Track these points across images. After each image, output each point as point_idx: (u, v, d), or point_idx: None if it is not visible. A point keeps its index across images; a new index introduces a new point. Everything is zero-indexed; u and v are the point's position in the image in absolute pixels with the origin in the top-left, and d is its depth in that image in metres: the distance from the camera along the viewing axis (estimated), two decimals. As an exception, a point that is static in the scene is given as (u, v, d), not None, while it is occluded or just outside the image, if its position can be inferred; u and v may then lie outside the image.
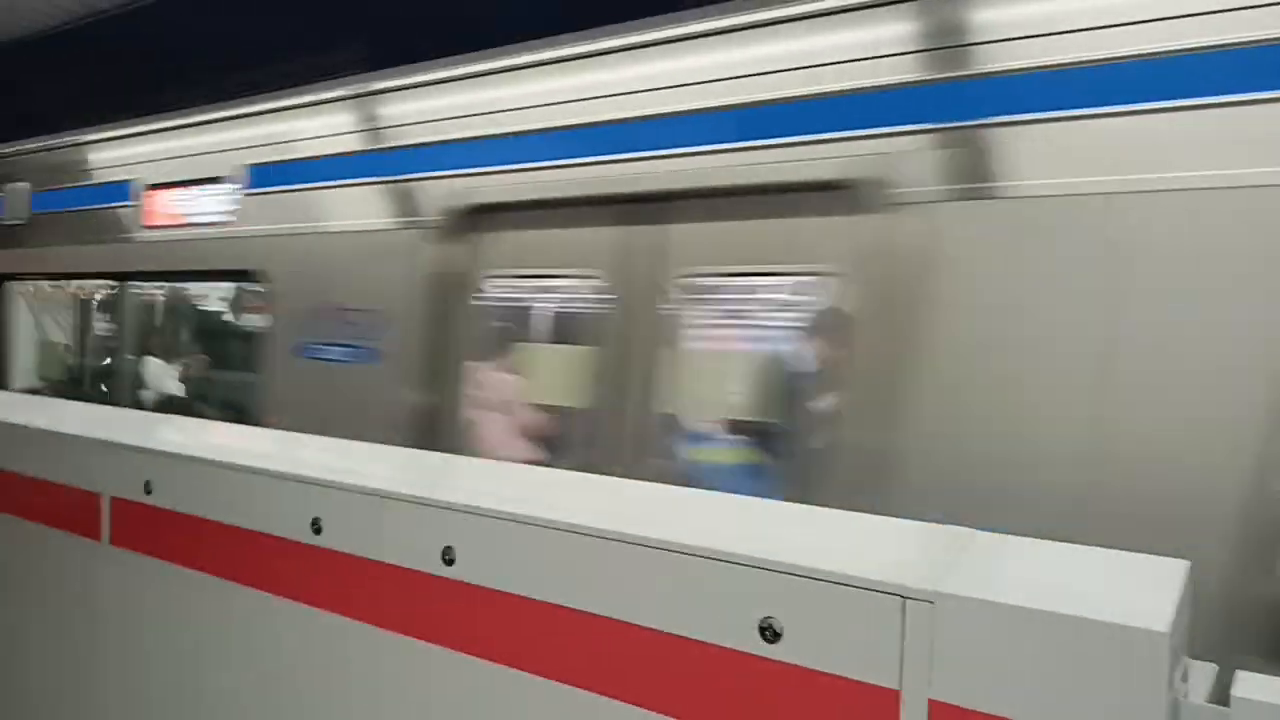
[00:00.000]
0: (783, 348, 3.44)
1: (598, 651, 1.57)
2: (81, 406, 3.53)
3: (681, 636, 1.47)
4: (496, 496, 1.81)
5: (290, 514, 2.03)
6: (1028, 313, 2.65)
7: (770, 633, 1.38)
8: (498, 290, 3.96)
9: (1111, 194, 2.55)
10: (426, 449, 3.37)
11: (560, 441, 3.82)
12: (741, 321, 3.64)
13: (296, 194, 4.55)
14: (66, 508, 2.61)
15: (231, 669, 2.18)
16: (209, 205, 4.99)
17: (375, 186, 4.19)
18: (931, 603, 1.24)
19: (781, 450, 3.31)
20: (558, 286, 3.93)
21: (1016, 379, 2.65)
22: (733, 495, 1.86)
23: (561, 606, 1.61)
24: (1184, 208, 2.45)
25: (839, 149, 3.03)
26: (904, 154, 2.89)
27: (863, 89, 3.01)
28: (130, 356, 6.05)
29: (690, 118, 3.35)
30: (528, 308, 4.06)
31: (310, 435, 2.70)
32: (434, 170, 3.98)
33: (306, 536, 2.00)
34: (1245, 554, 2.26)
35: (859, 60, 3.02)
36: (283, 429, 3.35)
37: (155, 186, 5.34)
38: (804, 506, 1.74)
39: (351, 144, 4.32)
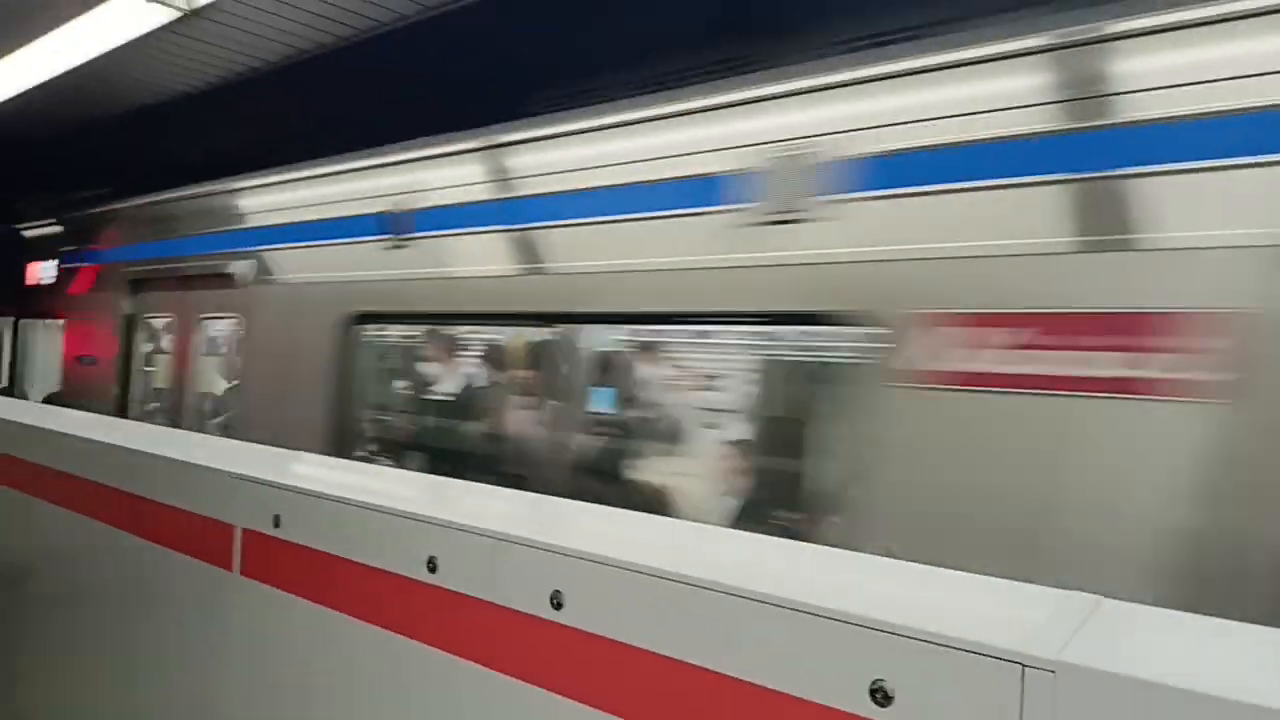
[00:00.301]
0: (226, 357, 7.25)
1: (702, 704, 1.55)
2: (216, 440, 3.74)
3: (789, 695, 1.45)
4: (605, 543, 1.82)
5: (407, 552, 2.10)
6: (284, 341, 6.10)
7: (881, 695, 1.35)
8: (150, 323, 7.85)
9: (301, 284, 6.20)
10: (116, 412, 7.47)
11: (164, 404, 7.57)
12: (220, 341, 7.33)
13: (79, 269, 8.59)
14: (202, 537, 2.75)
15: (347, 703, 2.24)
16: (45, 274, 9.27)
17: (106, 266, 8.30)
18: (1053, 672, 1.18)
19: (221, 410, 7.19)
20: (165, 322, 7.68)
21: (276, 371, 6.14)
22: (844, 551, 1.83)
23: (667, 657, 1.60)
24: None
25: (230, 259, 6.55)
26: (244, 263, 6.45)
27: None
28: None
29: (193, 238, 7.00)
30: (159, 332, 7.92)
31: (428, 475, 2.79)
32: (128, 259, 7.95)
33: (422, 575, 2.06)
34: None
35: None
36: (64, 399, 7.61)
37: (32, 260, 9.68)
38: (922, 566, 1.69)
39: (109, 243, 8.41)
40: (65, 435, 3.76)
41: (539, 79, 4.46)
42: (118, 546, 3.16)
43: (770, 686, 1.47)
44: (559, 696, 1.74)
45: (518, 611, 1.84)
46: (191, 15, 4.21)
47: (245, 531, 2.61)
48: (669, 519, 2.16)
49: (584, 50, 4.34)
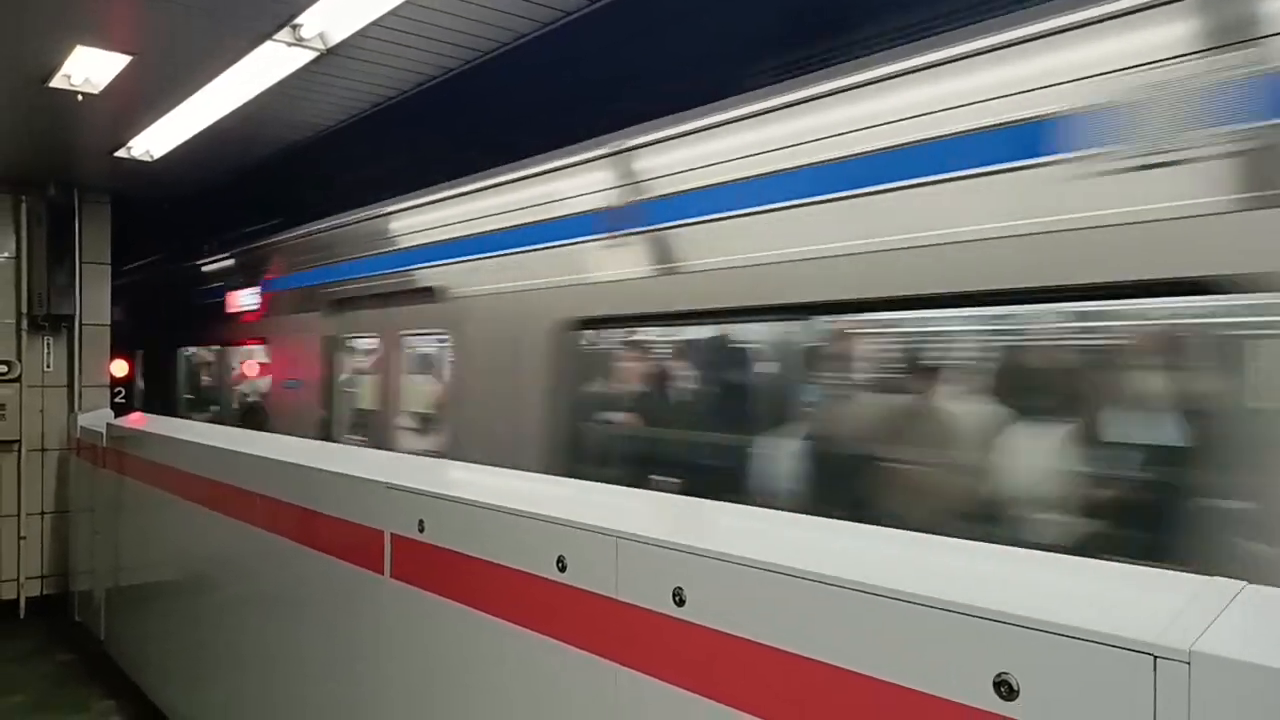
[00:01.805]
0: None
1: (825, 699, 1.54)
2: (367, 452, 3.96)
3: (911, 689, 1.42)
4: (725, 540, 1.83)
5: (539, 552, 2.17)
6: None
7: (1006, 689, 1.30)
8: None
9: None
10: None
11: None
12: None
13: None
14: (356, 543, 2.93)
15: (485, 696, 2.34)
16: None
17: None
18: (1187, 663, 1.12)
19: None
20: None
21: None
22: (967, 542, 1.77)
23: (789, 652, 1.60)
24: None
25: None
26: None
27: None
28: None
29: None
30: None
31: (558, 477, 2.87)
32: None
33: (553, 574, 2.13)
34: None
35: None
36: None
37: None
38: (1050, 554, 1.62)
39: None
40: (235, 452, 4.07)
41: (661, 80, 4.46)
42: (285, 554, 3.40)
43: (891, 680, 1.45)
44: (682, 690, 1.76)
45: (642, 608, 1.88)
46: (329, 54, 4.48)
47: (394, 536, 2.76)
48: (787, 514, 2.14)
49: (684, 55, 4.34)
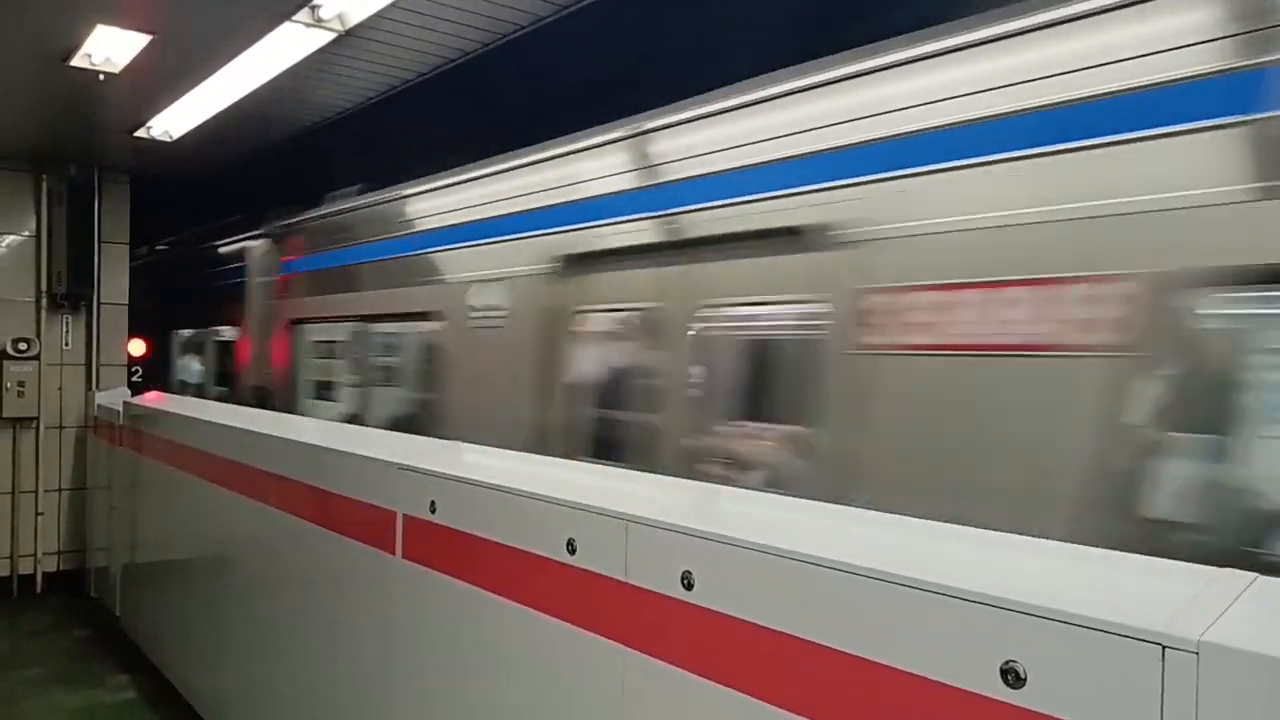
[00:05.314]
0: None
1: (832, 684, 1.55)
2: (379, 433, 3.97)
3: (918, 675, 1.42)
4: (734, 524, 1.84)
5: (549, 534, 2.18)
6: None
7: (1013, 676, 1.30)
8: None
9: None
10: None
11: None
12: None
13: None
14: (368, 523, 2.95)
15: (495, 676, 2.36)
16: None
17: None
18: (1196, 653, 1.11)
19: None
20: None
21: None
22: (973, 529, 1.77)
23: (796, 637, 1.60)
24: None
25: None
26: None
27: None
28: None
29: None
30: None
31: (569, 460, 2.88)
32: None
33: (563, 556, 2.13)
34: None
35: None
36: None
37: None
38: (1059, 543, 1.61)
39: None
40: (249, 432, 4.10)
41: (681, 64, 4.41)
42: (298, 533, 3.43)
43: (898, 667, 1.45)
44: (690, 674, 1.77)
45: (651, 591, 1.88)
46: (346, 35, 4.48)
47: (406, 517, 2.78)
48: (797, 500, 2.14)
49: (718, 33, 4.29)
